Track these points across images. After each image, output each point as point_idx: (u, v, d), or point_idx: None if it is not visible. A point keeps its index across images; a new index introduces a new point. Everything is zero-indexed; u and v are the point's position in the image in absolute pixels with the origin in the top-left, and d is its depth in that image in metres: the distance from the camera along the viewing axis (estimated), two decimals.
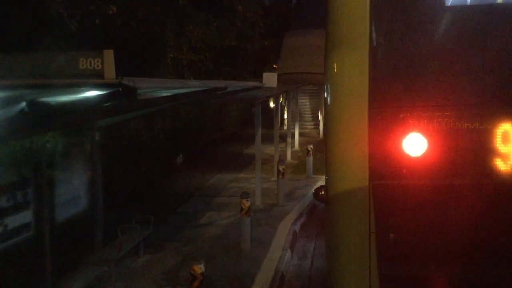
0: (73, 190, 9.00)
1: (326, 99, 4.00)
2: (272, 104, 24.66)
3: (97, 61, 4.47)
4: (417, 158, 3.66)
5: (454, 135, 3.64)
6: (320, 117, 28.34)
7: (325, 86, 4.00)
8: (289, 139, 21.06)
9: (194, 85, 7.84)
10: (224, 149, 23.63)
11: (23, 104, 4.82)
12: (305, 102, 31.12)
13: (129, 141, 14.14)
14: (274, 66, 27.98)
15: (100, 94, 4.95)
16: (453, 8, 3.78)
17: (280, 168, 13.70)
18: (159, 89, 6.16)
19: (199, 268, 6.89)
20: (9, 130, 5.11)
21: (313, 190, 5.38)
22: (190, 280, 6.96)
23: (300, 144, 23.47)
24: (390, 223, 3.71)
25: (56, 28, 10.24)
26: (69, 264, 8.89)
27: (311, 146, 17.70)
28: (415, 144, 3.66)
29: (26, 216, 7.56)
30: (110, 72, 4.44)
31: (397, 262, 3.75)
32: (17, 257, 7.66)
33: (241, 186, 15.70)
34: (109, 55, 4.49)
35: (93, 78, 4.49)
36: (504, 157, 3.60)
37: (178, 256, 9.91)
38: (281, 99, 23.74)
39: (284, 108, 27.49)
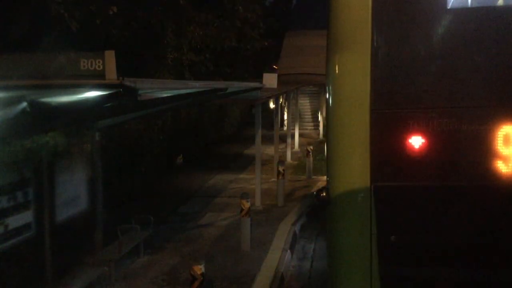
0: (73, 190, 9.00)
1: (327, 101, 4.01)
2: (272, 105, 24.70)
3: (98, 62, 4.47)
4: (418, 160, 3.67)
5: (456, 137, 3.65)
6: (320, 118, 28.34)
7: (327, 88, 4.01)
8: (289, 140, 21.05)
9: (195, 86, 7.85)
10: (224, 149, 23.64)
11: (25, 104, 4.82)
12: (305, 103, 31.13)
13: (129, 141, 14.14)
14: (274, 66, 28.02)
15: (101, 95, 4.96)
16: (454, 10, 3.80)
17: (280, 169, 13.69)
18: (160, 89, 6.16)
19: (199, 269, 6.89)
20: (10, 130, 5.12)
21: (313, 191, 5.40)
22: (190, 281, 6.96)
23: (300, 145, 23.47)
24: (391, 225, 3.72)
25: (56, 28, 10.24)
26: (69, 264, 8.88)
27: (311, 147, 17.68)
28: (416, 146, 3.67)
29: (26, 216, 7.57)
30: (111, 73, 4.44)
31: (398, 264, 3.76)
32: (17, 257, 7.66)
33: (241, 187, 15.70)
34: (110, 56, 4.49)
35: (94, 79, 4.49)
36: (505, 159, 3.61)
37: (178, 257, 9.91)
38: (281, 100, 23.75)
39: (284, 108, 27.51)
